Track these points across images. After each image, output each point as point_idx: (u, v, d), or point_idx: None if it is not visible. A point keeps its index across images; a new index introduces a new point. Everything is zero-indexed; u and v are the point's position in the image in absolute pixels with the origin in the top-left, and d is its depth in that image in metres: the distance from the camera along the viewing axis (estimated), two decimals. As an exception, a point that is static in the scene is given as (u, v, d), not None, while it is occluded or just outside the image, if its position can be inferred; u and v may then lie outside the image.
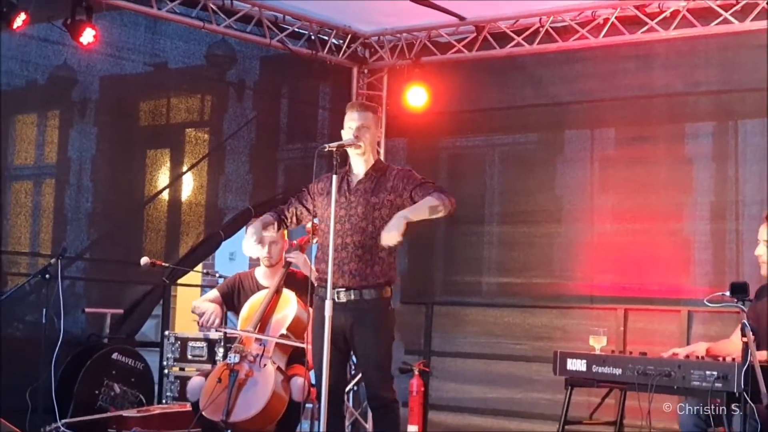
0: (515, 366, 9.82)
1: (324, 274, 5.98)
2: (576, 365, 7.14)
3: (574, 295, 9.58)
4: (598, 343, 7.22)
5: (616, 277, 9.37)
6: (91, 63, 9.02)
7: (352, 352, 6.41)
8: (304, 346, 7.00)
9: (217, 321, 7.43)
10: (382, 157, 8.82)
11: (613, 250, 9.39)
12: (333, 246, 6.02)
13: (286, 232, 7.71)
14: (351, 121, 6.27)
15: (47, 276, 7.82)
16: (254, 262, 8.50)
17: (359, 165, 6.32)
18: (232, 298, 7.72)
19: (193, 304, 7.82)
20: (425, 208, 6.08)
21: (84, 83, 9.14)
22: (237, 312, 7.69)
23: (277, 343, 7.18)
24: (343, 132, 6.29)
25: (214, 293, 7.80)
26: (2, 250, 8.77)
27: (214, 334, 8.22)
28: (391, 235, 5.92)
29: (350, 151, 6.29)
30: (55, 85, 9.08)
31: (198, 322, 7.60)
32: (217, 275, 8.40)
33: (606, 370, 6.99)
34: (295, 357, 7.28)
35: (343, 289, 6.15)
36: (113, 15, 8.95)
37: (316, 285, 6.35)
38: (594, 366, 7.04)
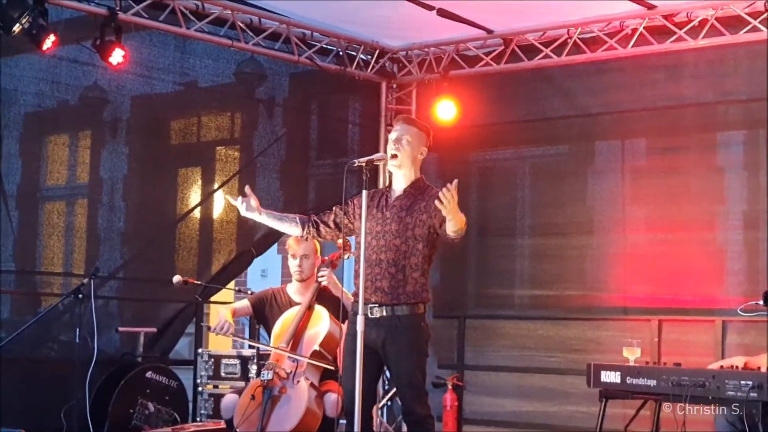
0: (549, 379, 9.78)
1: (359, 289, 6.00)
2: (610, 377, 7.10)
3: (607, 306, 9.55)
4: (632, 355, 7.18)
5: (650, 288, 9.32)
6: (122, 83, 9.08)
7: (385, 368, 6.40)
8: (332, 368, 7.01)
9: (231, 329, 7.42)
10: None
11: (645, 261, 9.34)
12: (367, 261, 6.03)
13: (318, 247, 7.74)
14: (393, 133, 6.30)
15: (80, 296, 7.86)
16: (286, 279, 8.53)
17: (399, 180, 6.31)
18: (263, 310, 7.76)
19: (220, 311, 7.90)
20: (461, 221, 5.93)
21: (115, 103, 9.20)
22: (266, 326, 7.73)
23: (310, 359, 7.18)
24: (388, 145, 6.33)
25: (244, 302, 7.86)
26: (35, 270, 8.85)
27: (247, 351, 8.23)
28: (446, 207, 5.78)
29: (389, 165, 6.28)
30: (86, 105, 9.14)
31: (212, 330, 7.62)
32: (249, 292, 8.43)
33: (640, 381, 6.94)
34: (329, 373, 7.27)
35: (376, 305, 6.15)
36: (142, 35, 9.01)
37: (352, 301, 6.37)
38: (628, 378, 7.00)
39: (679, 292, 9.17)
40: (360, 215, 6.16)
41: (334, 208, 6.51)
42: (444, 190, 5.76)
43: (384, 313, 6.13)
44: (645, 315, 9.29)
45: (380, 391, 9.80)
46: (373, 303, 6.12)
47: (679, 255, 9.19)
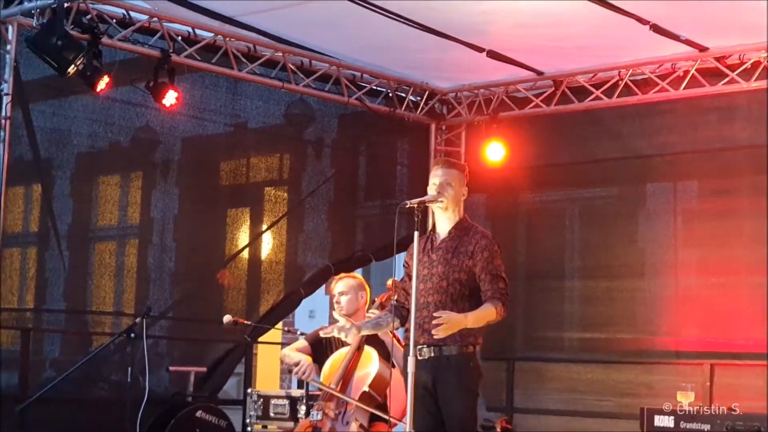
0: (600, 423, 9.66)
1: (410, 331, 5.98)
2: (664, 422, 7.07)
3: (658, 350, 9.46)
4: (686, 399, 7.13)
5: (702, 332, 9.23)
6: (174, 124, 9.16)
7: None
8: (387, 418, 6.96)
9: (312, 374, 7.41)
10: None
11: (698, 305, 9.26)
12: (416, 305, 6.02)
13: (364, 284, 7.73)
14: (435, 178, 6.27)
15: (132, 335, 7.88)
16: (335, 320, 8.51)
17: (443, 223, 6.30)
18: (320, 349, 7.73)
19: (282, 353, 7.87)
20: (483, 320, 6.07)
21: (166, 144, 9.27)
22: (321, 365, 7.71)
23: (359, 400, 7.15)
24: (428, 188, 6.30)
25: (302, 342, 7.82)
26: (87, 310, 8.89)
27: (296, 392, 8.21)
28: (444, 331, 5.92)
29: (434, 208, 6.29)
30: (138, 146, 9.23)
31: (291, 371, 7.61)
32: (298, 333, 8.42)
33: (694, 426, 6.92)
34: (378, 414, 7.23)
35: (425, 346, 6.12)
36: (195, 77, 9.09)
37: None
38: (682, 422, 6.98)
39: (731, 335, 9.08)
40: (410, 260, 6.19)
41: (401, 283, 6.48)
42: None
43: (432, 354, 6.11)
44: (697, 359, 9.19)
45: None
46: (421, 344, 6.10)
47: (731, 298, 9.11)
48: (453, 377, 6.13)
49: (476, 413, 6.28)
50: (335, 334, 6.40)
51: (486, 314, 6.07)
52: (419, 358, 6.02)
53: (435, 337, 5.97)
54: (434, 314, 5.94)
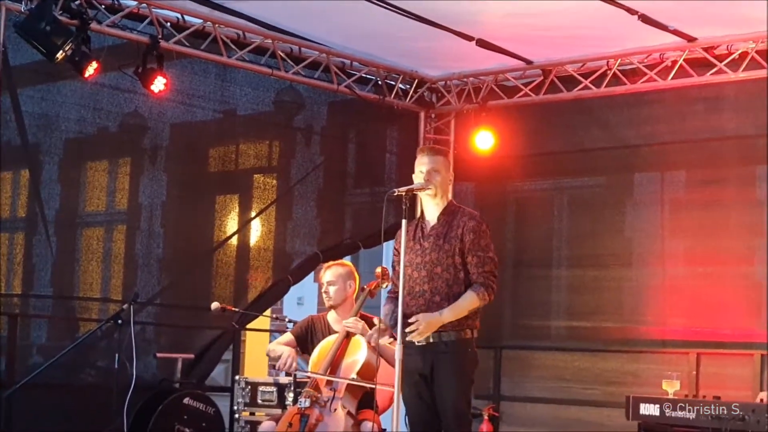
0: (586, 411, 9.71)
1: (404, 319, 5.99)
2: (649, 410, 7.09)
3: (645, 339, 9.49)
4: (671, 388, 7.16)
5: (688, 321, 9.26)
6: (162, 110, 9.13)
7: None
8: (374, 386, 6.98)
9: (294, 364, 7.43)
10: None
11: (684, 294, 9.29)
12: (410, 294, 6.06)
13: (353, 272, 7.75)
14: (421, 165, 6.30)
15: (119, 321, 7.87)
16: (323, 307, 8.52)
17: (432, 210, 6.33)
18: (306, 340, 7.74)
19: (268, 347, 7.87)
20: (465, 310, 6.14)
21: (155, 130, 9.24)
22: (310, 355, 7.71)
23: (347, 388, 7.17)
24: (414, 176, 6.32)
25: (287, 336, 7.82)
26: (74, 295, 8.88)
27: (284, 379, 8.22)
28: (421, 334, 6.02)
29: (422, 195, 6.31)
30: (126, 132, 9.20)
31: (275, 366, 7.63)
32: (286, 320, 8.43)
33: (679, 414, 6.93)
34: (366, 401, 7.26)
35: None
36: (183, 63, 9.07)
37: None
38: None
39: (717, 325, 9.11)
40: (401, 249, 6.21)
41: (394, 273, 6.55)
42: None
43: (430, 340, 6.14)
44: (683, 348, 9.23)
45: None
46: None
47: (717, 288, 9.14)
48: (450, 362, 6.19)
49: (470, 399, 6.34)
50: (382, 342, 6.50)
51: (467, 304, 6.13)
52: (417, 344, 6.09)
53: (416, 341, 6.02)
54: (409, 321, 5.99)
